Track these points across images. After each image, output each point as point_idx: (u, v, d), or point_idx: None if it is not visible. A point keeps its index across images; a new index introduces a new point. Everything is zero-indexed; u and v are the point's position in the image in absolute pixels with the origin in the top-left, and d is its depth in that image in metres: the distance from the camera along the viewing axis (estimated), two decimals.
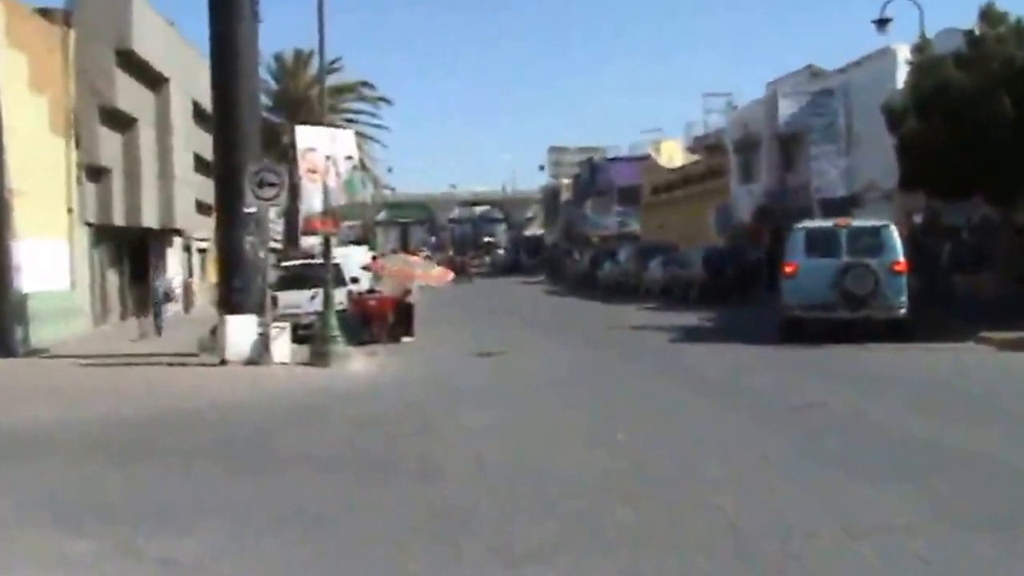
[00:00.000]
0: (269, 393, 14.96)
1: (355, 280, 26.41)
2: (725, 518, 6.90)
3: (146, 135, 31.26)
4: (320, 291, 19.87)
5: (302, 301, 23.36)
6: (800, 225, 21.49)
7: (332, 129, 20.66)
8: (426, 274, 26.26)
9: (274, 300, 21.63)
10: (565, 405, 12.91)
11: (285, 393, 14.98)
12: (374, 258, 34.16)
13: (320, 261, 21.36)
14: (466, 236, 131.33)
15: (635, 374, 16.21)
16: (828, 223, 21.61)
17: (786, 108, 37.65)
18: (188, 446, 10.59)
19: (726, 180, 46.43)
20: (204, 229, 37.83)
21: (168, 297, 26.62)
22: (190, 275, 39.40)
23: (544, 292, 48.49)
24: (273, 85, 53.07)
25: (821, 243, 20.30)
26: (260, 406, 13.59)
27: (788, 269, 20.47)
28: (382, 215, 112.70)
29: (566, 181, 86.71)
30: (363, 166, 41.56)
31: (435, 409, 12.77)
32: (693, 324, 25.49)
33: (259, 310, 18.42)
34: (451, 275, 26.61)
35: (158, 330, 25.49)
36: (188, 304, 37.37)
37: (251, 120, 19.63)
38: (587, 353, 19.77)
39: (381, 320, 23.23)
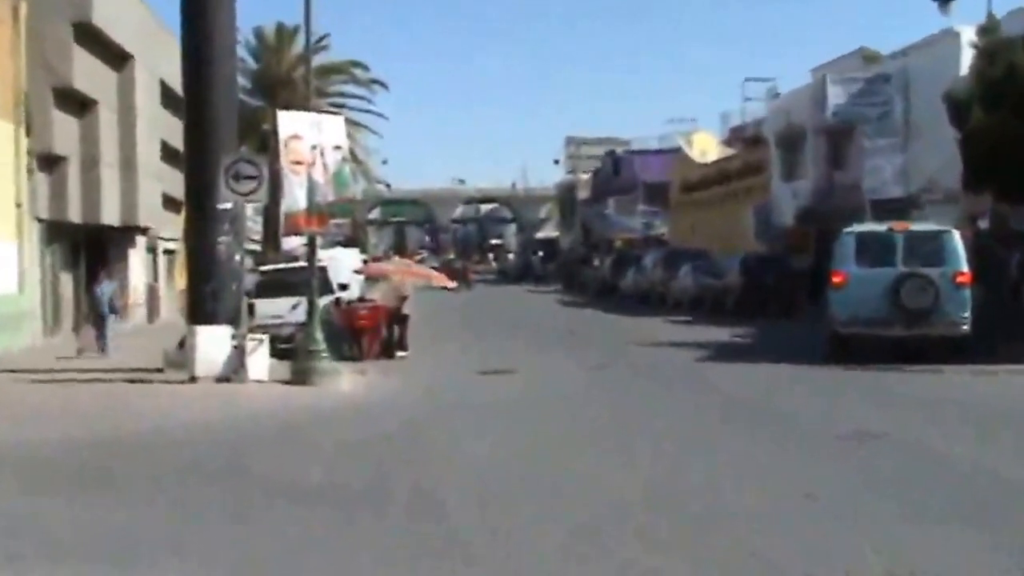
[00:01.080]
0: (244, 414, 14.96)
1: (344, 287, 26.40)
2: (763, 564, 6.86)
3: (107, 120, 31.34)
4: (303, 299, 19.87)
5: (283, 310, 23.34)
6: (850, 229, 21.44)
7: (319, 115, 20.68)
8: (428, 273, 26.27)
9: (251, 309, 21.66)
10: (579, 432, 12.88)
11: (262, 415, 14.97)
12: (365, 262, 34.20)
13: (304, 265, 21.35)
14: (470, 238, 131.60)
15: (659, 397, 16.17)
16: (882, 227, 21.56)
17: (835, 96, 37.56)
18: (150, 475, 10.57)
19: (766, 177, 46.38)
20: (172, 227, 37.92)
21: (114, 308, 25.12)
22: (155, 279, 39.49)
23: (558, 302, 48.47)
24: (252, 64, 53.26)
25: (874, 250, 20.26)
26: (233, 429, 13.59)
27: (836, 279, 20.42)
28: (375, 213, 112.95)
29: (584, 176, 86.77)
30: (354, 157, 41.58)
31: (432, 435, 12.76)
32: (727, 340, 25.42)
33: (234, 320, 18.41)
34: (451, 280, 26.58)
35: (101, 348, 24.03)
36: (153, 312, 37.46)
37: (227, 104, 19.65)
38: (605, 372, 19.74)
39: (372, 333, 23.23)
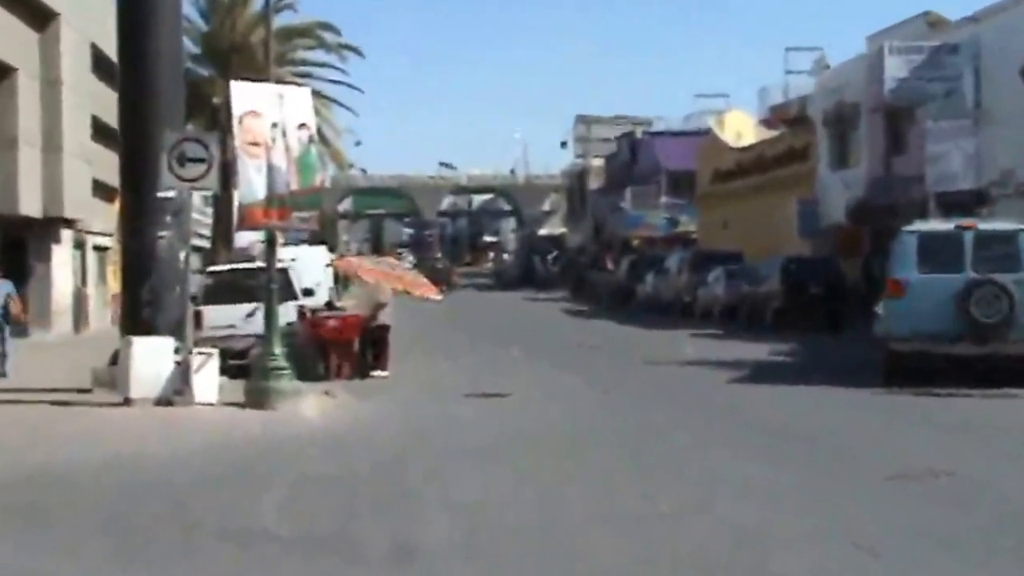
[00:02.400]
0: (189, 445, 14.91)
1: (309, 292, 26.40)
2: None
3: (26, 90, 31.35)
4: (260, 306, 19.85)
5: (236, 320, 23.37)
6: (911, 228, 21.45)
7: (281, 87, 20.67)
8: (415, 281, 26.14)
9: (198, 318, 21.65)
10: (585, 468, 12.87)
11: (211, 445, 14.94)
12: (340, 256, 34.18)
13: (261, 266, 21.35)
14: (460, 235, 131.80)
15: (682, 428, 16.15)
16: (948, 225, 21.58)
17: (895, 69, 37.63)
18: (74, 518, 10.53)
19: (812, 165, 46.45)
20: (104, 219, 37.98)
21: (6, 317, 24.20)
22: (83, 282, 39.51)
23: (564, 312, 48.50)
24: (201, 25, 53.30)
25: (938, 252, 20.27)
26: (176, 463, 13.55)
27: (894, 287, 20.45)
28: (347, 204, 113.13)
29: (597, 162, 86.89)
30: (322, 138, 41.69)
31: (413, 471, 12.74)
32: (765, 359, 25.47)
33: (177, 331, 18.40)
34: (437, 290, 26.52)
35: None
36: (80, 321, 37.45)
37: (171, 73, 19.68)
38: (618, 397, 19.73)
39: (343, 347, 23.22)
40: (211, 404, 17.83)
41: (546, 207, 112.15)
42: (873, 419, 16.66)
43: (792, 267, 36.15)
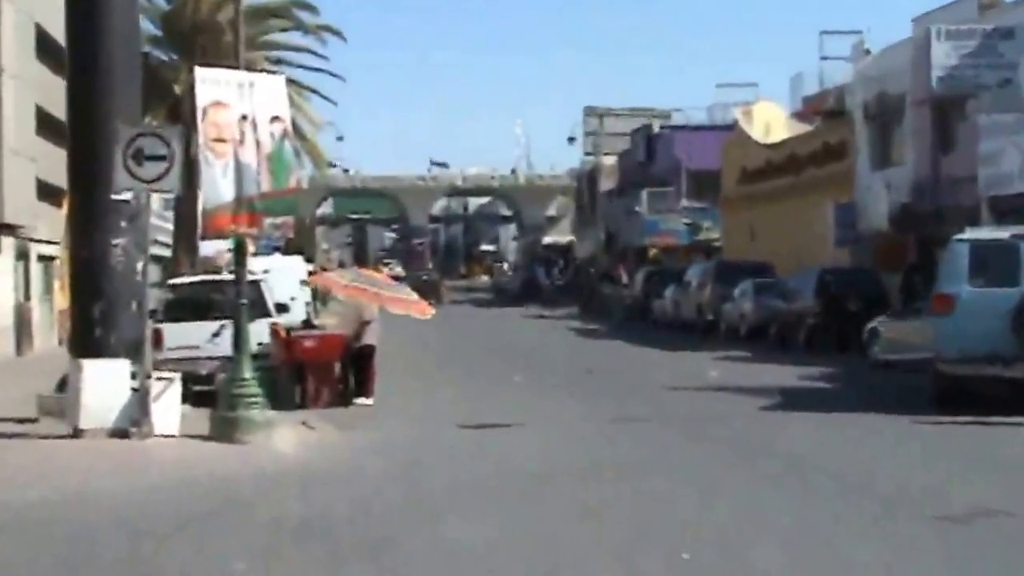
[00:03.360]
0: (147, 483, 14.92)
1: (283, 308, 26.42)
2: None
3: None
4: (228, 325, 19.85)
5: (201, 340, 23.38)
6: (962, 236, 21.48)
7: (251, 74, 20.68)
8: (396, 297, 26.00)
9: (157, 337, 21.58)
10: (595, 513, 12.86)
11: (172, 484, 14.91)
12: (311, 274, 34.21)
13: (229, 278, 21.33)
14: (454, 243, 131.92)
15: (705, 461, 16.19)
16: (1003, 233, 21.60)
17: (943, 56, 37.63)
18: (19, 566, 10.53)
19: (851, 164, 46.42)
20: (50, 225, 37.96)
21: None
22: (27, 296, 39.50)
23: (572, 331, 48.51)
24: (162, 3, 53.25)
25: (992, 264, 20.30)
26: (132, 503, 13.54)
27: (942, 302, 20.47)
28: (327, 208, 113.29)
29: (608, 161, 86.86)
30: (298, 133, 41.68)
31: (401, 515, 12.73)
32: (799, 384, 25.50)
33: (134, 352, 18.38)
34: (429, 308, 26.44)
35: None
36: (23, 341, 37.43)
37: (126, 57, 19.65)
38: (633, 429, 19.72)
39: (323, 371, 23.22)
40: (172, 436, 17.80)
41: (551, 211, 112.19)
42: (918, 451, 16.67)
43: (829, 280, 36.10)
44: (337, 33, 55.83)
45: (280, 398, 20.78)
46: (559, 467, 15.93)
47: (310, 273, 34.33)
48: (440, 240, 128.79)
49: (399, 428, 19.93)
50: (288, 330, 24.52)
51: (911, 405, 20.39)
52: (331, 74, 57.37)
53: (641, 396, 24.49)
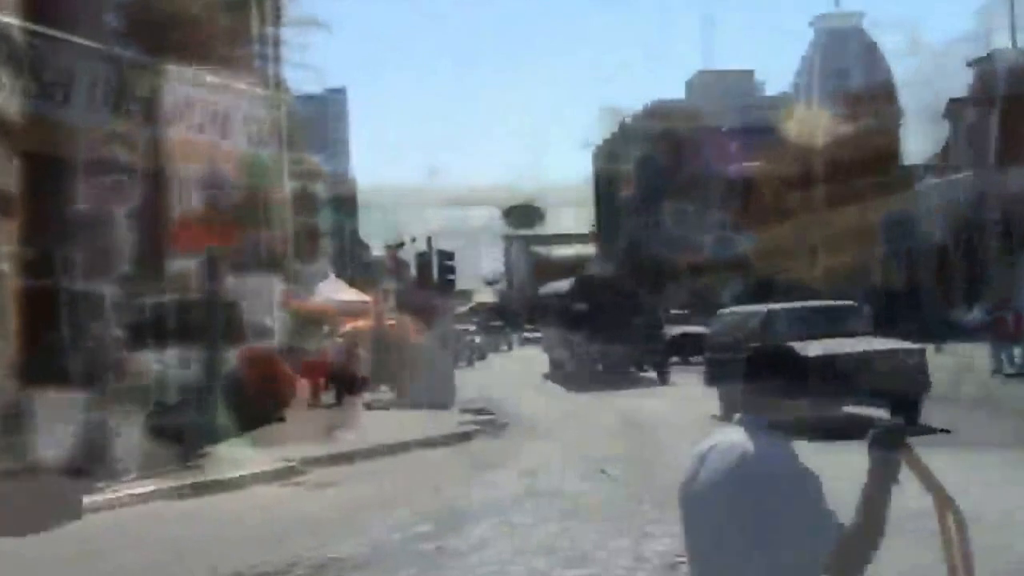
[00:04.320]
0: (106, 534, 14.76)
1: (262, 332, 26.61)
2: None
3: None
4: (199, 351, 19.89)
5: (169, 367, 23.42)
6: None
7: (228, 72, 20.84)
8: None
9: (119, 365, 21.64)
10: None
11: (133, 536, 14.83)
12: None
13: (200, 298, 21.44)
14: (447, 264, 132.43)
15: None
16: None
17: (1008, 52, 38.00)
18: None
19: (904, 168, 46.64)
20: None
21: None
22: None
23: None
24: None
25: None
26: (90, 557, 13.42)
27: (1008, 325, 20.71)
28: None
29: (629, 168, 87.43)
30: (279, 136, 41.79)
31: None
32: None
33: (93, 382, 18.41)
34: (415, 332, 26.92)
35: None
36: None
37: (84, 49, 19.76)
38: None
39: (307, 401, 23.44)
40: (133, 476, 17.72)
41: (564, 224, 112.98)
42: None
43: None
44: (324, 26, 56.47)
45: (258, 433, 20.86)
46: (583, 515, 15.74)
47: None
48: (427, 261, 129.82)
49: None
50: (265, 354, 24.73)
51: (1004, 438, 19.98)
52: (316, 70, 57.83)
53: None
